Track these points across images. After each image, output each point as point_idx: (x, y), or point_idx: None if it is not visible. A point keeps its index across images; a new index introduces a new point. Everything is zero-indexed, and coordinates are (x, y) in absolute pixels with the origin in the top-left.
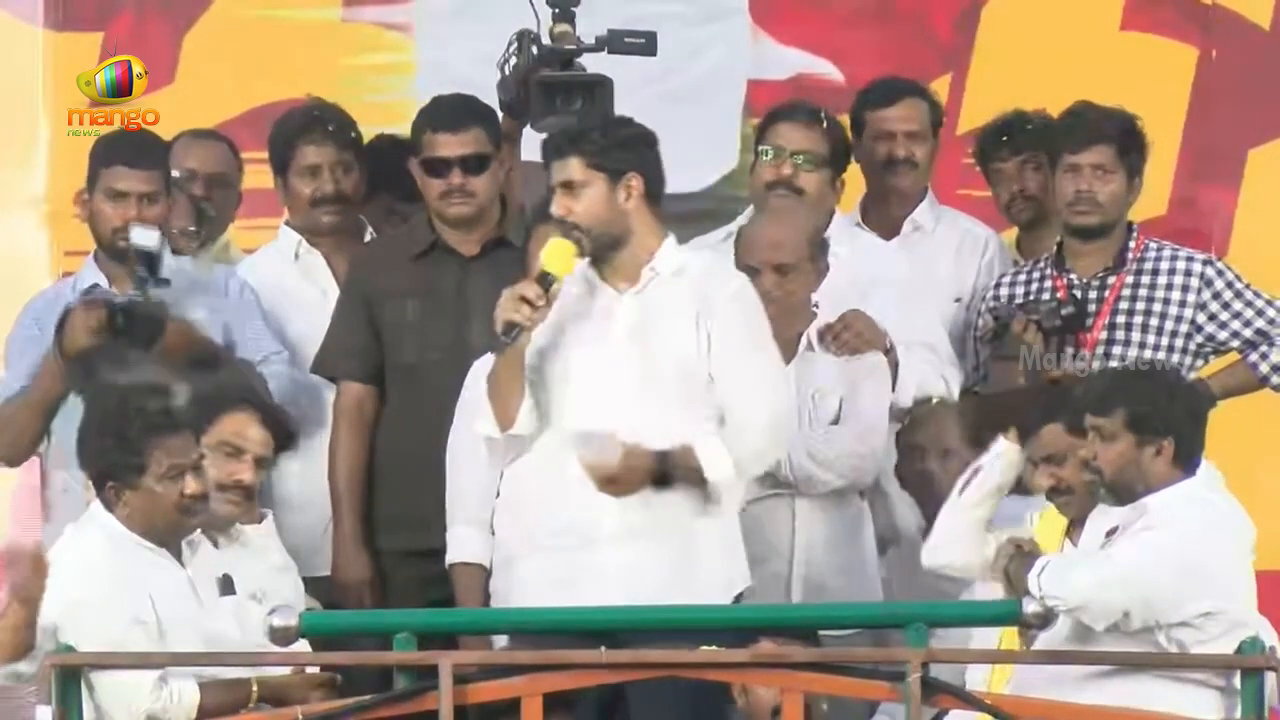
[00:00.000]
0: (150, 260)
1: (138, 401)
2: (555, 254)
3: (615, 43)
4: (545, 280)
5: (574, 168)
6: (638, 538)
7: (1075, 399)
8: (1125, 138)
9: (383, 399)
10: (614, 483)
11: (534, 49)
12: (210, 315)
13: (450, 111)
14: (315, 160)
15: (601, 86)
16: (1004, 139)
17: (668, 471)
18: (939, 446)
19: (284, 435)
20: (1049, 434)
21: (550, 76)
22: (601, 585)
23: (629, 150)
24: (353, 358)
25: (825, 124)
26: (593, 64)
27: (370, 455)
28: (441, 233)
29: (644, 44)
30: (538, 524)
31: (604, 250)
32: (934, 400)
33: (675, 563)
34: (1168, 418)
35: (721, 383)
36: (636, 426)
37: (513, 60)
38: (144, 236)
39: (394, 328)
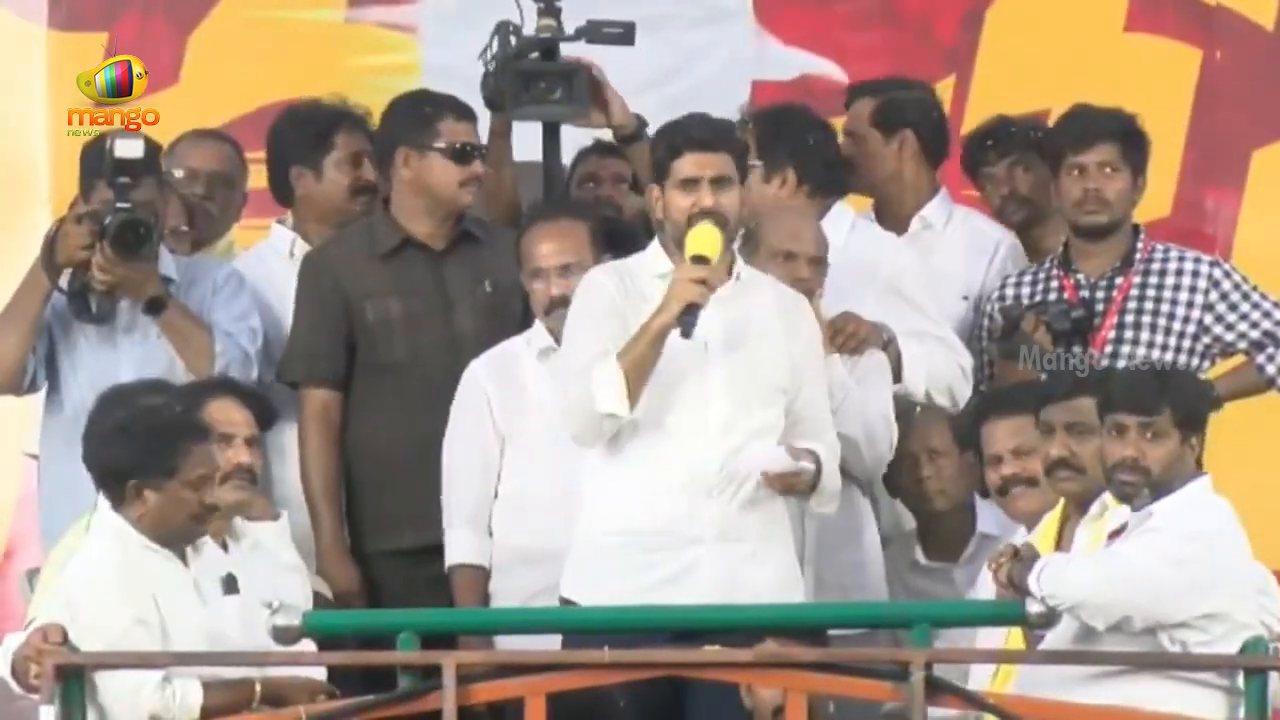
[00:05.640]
0: (134, 169)
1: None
2: (704, 238)
3: (593, 33)
4: (704, 262)
5: (724, 164)
6: (743, 539)
7: (1107, 394)
8: (1127, 135)
9: (346, 403)
10: (790, 487)
11: (512, 40)
12: (199, 307)
13: (457, 103)
14: (357, 148)
15: (578, 74)
16: (989, 144)
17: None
18: (927, 448)
19: (264, 413)
20: (1082, 405)
21: (527, 65)
22: (703, 586)
23: (744, 158)
24: (321, 362)
25: (746, 123)
26: (591, 60)
27: (346, 458)
28: (410, 229)
29: (622, 34)
30: (628, 521)
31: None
32: (918, 408)
33: (777, 563)
34: (1204, 417)
35: (806, 394)
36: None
37: (493, 51)
38: (128, 146)
39: (376, 327)
